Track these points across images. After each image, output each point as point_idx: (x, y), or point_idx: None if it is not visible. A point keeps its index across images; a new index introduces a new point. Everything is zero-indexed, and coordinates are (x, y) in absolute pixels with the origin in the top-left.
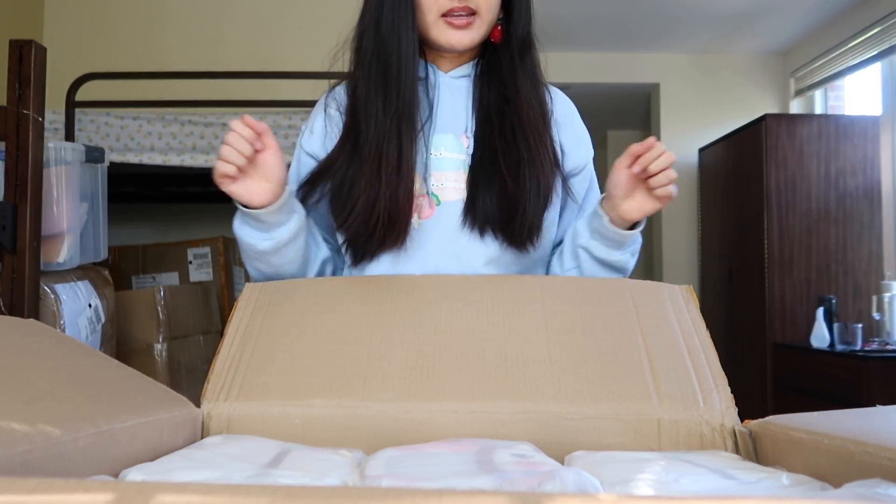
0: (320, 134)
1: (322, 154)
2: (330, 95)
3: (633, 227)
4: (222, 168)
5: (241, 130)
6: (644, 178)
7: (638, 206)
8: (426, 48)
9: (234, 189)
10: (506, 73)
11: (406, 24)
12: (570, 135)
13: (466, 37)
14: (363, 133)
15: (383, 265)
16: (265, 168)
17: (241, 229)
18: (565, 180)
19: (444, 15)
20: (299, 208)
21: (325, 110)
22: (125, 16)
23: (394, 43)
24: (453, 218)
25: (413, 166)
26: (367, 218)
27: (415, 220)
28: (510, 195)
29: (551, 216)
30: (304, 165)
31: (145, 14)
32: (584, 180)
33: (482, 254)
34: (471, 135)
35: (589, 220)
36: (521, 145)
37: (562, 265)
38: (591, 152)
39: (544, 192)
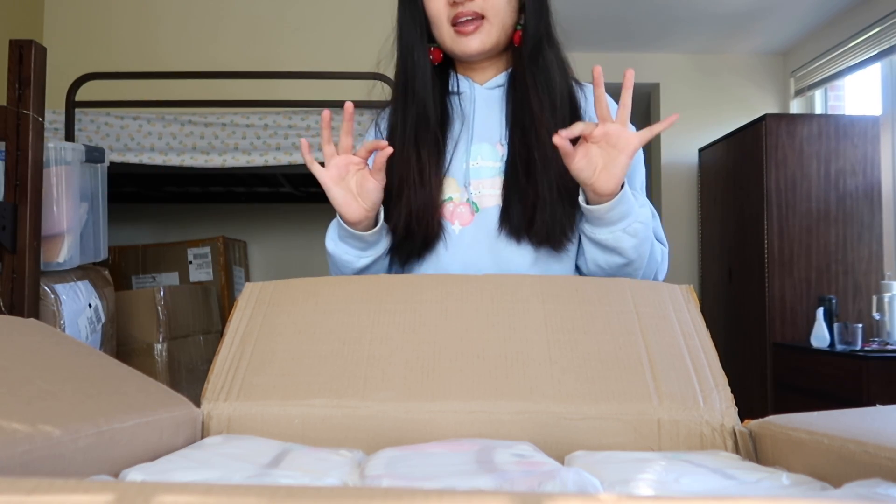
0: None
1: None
2: (381, 113)
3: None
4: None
5: (368, 144)
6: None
7: (606, 173)
8: (458, 63)
9: (336, 193)
10: (521, 75)
11: (415, 40)
12: None
13: (476, 41)
14: (395, 143)
15: (428, 270)
16: (366, 192)
17: (339, 247)
18: None
19: (453, 24)
20: (386, 226)
21: (375, 127)
22: (125, 16)
23: (409, 59)
24: (491, 224)
25: (434, 172)
26: (404, 222)
27: (456, 226)
28: (529, 197)
29: None
30: None
31: (145, 14)
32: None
33: (521, 258)
34: (504, 142)
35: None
36: (534, 145)
37: (582, 257)
38: None
39: (563, 189)
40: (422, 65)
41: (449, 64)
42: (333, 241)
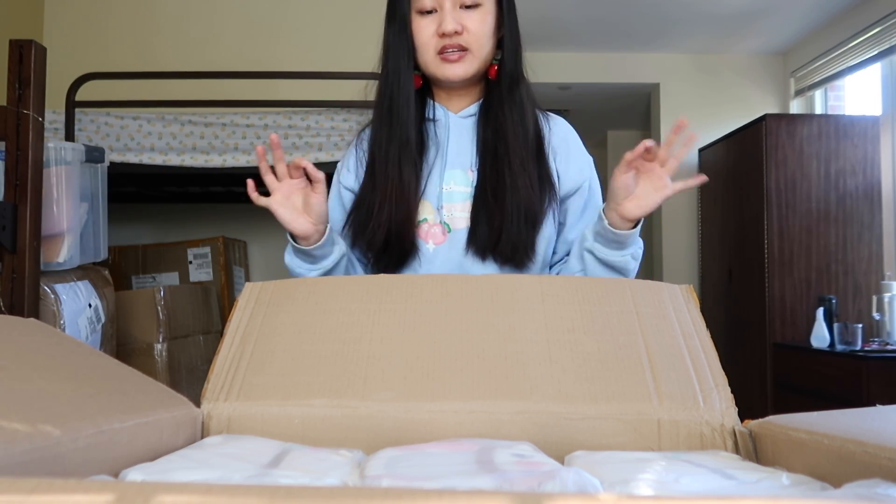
0: (353, 169)
1: (357, 187)
2: (361, 135)
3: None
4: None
5: (293, 171)
6: (644, 173)
7: (637, 202)
8: (436, 90)
9: (283, 213)
10: (497, 106)
11: (404, 66)
12: (565, 159)
13: (459, 69)
14: (376, 162)
15: None
16: (311, 206)
17: (292, 261)
18: (556, 200)
19: (439, 53)
20: (339, 240)
21: (356, 148)
22: (125, 16)
23: (395, 84)
24: (461, 244)
25: (413, 190)
26: (384, 238)
27: (430, 245)
28: (496, 219)
29: (546, 233)
30: (345, 198)
31: (145, 14)
32: (579, 198)
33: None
34: (475, 169)
35: (594, 224)
36: (505, 172)
37: (568, 269)
38: (589, 171)
39: (527, 213)
40: (406, 89)
41: (426, 91)
42: (289, 254)
